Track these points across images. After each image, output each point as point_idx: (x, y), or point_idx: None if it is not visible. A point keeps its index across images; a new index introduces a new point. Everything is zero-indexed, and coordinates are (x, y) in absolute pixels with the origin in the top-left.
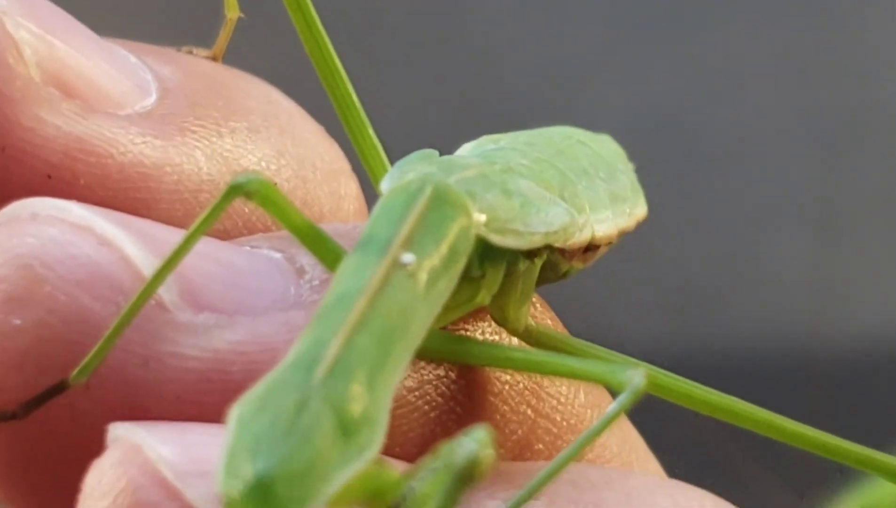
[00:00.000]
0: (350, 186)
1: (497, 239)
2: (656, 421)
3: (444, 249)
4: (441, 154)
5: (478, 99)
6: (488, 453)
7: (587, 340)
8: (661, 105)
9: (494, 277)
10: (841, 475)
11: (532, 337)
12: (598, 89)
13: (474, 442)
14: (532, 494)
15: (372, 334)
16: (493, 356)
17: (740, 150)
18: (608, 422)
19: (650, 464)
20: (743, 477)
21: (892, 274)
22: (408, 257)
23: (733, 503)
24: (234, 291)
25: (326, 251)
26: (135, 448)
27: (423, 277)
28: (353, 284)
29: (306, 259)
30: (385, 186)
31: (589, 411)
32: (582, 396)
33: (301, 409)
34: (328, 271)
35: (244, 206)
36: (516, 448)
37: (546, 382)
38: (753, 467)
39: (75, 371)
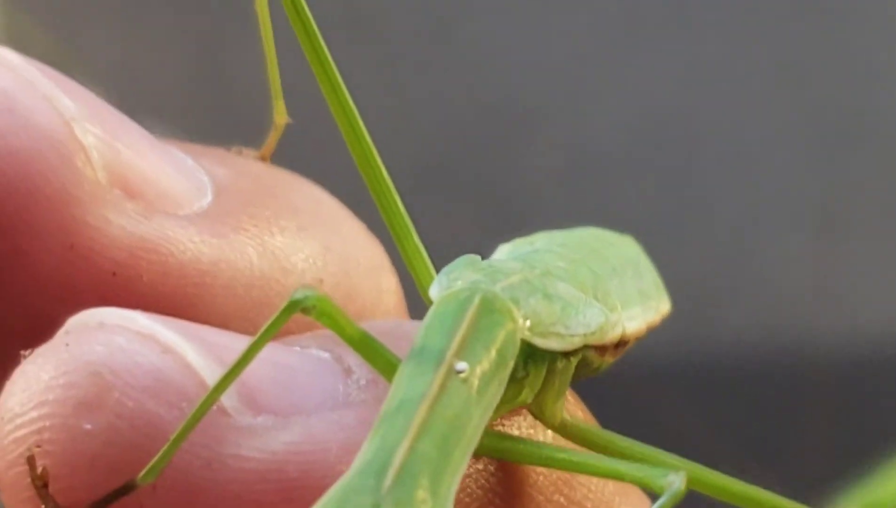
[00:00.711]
0: (390, 282)
1: (541, 342)
2: (652, 418)
3: (493, 355)
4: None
5: (478, 102)
6: None
7: None
8: (661, 105)
9: (537, 376)
10: (840, 475)
11: (567, 431)
12: (599, 89)
13: None
14: None
15: (433, 439)
16: (535, 454)
17: (740, 150)
18: None
19: None
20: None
21: (891, 275)
22: (461, 365)
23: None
24: (289, 392)
25: (380, 358)
26: None
27: (475, 382)
28: (412, 391)
29: (353, 359)
30: (434, 293)
31: (617, 497)
32: (611, 485)
33: None
34: (382, 377)
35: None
36: None
37: (582, 491)
38: (753, 467)
39: (143, 473)
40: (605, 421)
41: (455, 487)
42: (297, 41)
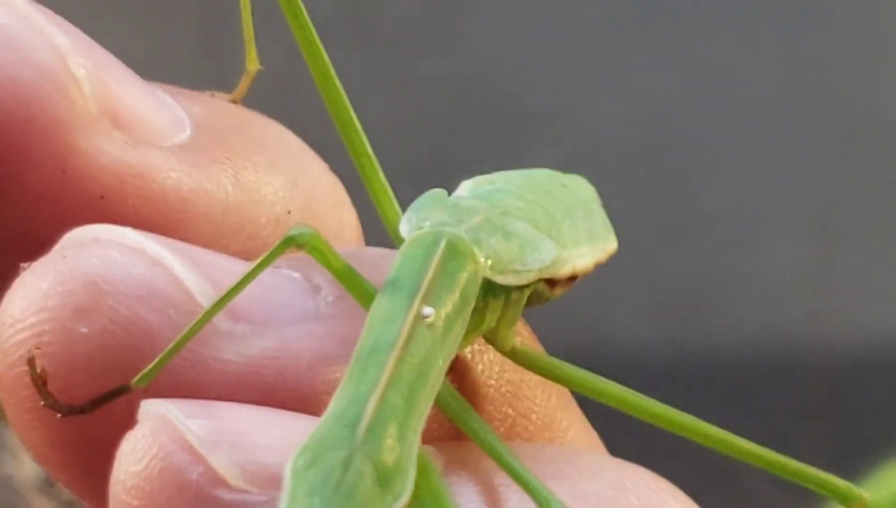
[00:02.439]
0: (351, 217)
1: (500, 279)
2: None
3: (457, 298)
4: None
5: (478, 100)
6: None
7: (593, 344)
8: (662, 106)
9: (495, 308)
10: (840, 475)
11: (518, 356)
12: (599, 89)
13: None
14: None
15: (400, 389)
16: (462, 414)
17: (741, 150)
18: None
19: (595, 444)
20: (741, 479)
21: (891, 277)
22: (427, 311)
23: (732, 505)
24: (264, 305)
25: (359, 289)
26: (165, 420)
27: (440, 327)
28: (383, 338)
29: (321, 279)
30: (404, 230)
31: (559, 412)
32: (554, 399)
33: (346, 466)
34: (360, 304)
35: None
36: None
37: (524, 386)
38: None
39: (138, 377)
40: (605, 420)
41: (420, 430)
42: None
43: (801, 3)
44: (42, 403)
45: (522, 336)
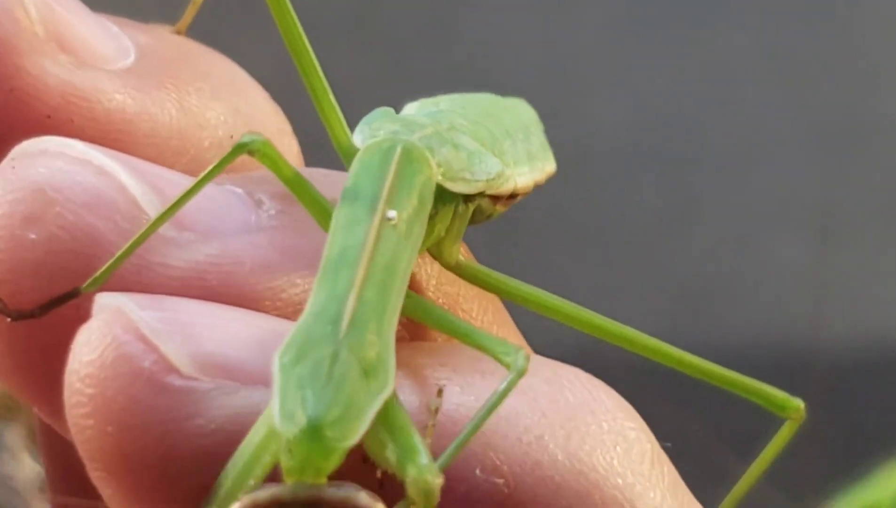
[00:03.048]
0: (292, 145)
1: (452, 186)
2: (652, 418)
3: (415, 201)
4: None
5: None
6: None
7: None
8: (661, 105)
9: (445, 217)
10: (840, 475)
11: (461, 270)
12: (599, 89)
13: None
14: (458, 450)
15: (374, 287)
16: (422, 308)
17: (740, 151)
18: (502, 397)
19: (511, 333)
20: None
21: (891, 277)
22: (391, 213)
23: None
24: (208, 216)
25: (311, 199)
26: (119, 311)
27: (403, 227)
28: (351, 239)
29: (263, 194)
30: (358, 140)
31: (496, 326)
32: (490, 314)
33: (334, 360)
34: (312, 216)
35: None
36: None
37: (461, 299)
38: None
39: (87, 282)
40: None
41: (395, 325)
42: None
43: (800, 3)
44: None
45: (465, 255)
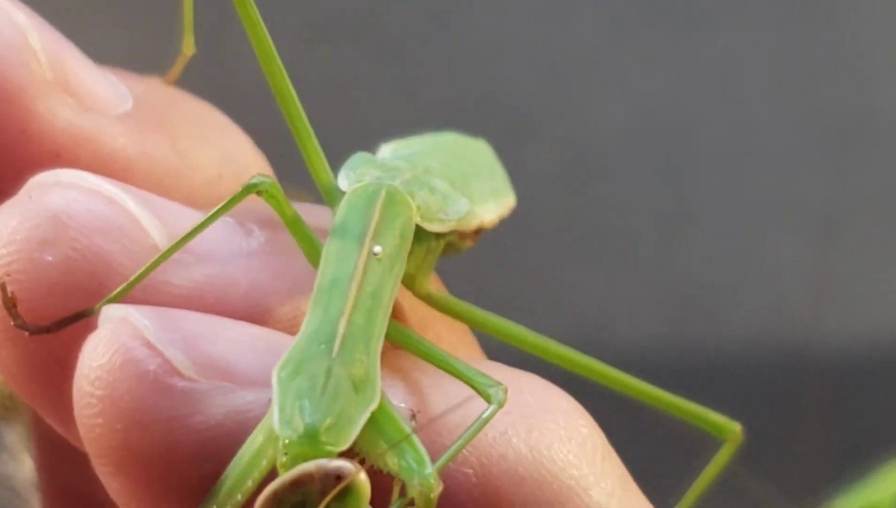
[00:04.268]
0: None
1: (428, 226)
2: (651, 417)
3: (398, 238)
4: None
5: (477, 101)
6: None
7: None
8: (662, 106)
9: (419, 252)
10: (840, 475)
11: (432, 300)
12: (599, 89)
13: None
14: (446, 463)
15: (362, 312)
16: (406, 337)
17: (740, 151)
18: (483, 423)
19: (475, 352)
20: (740, 480)
21: (891, 277)
22: (377, 248)
23: (732, 504)
24: (204, 241)
25: (304, 237)
26: (125, 321)
27: (387, 262)
28: (341, 271)
29: (252, 223)
30: (344, 184)
31: (462, 347)
32: (457, 335)
33: (328, 375)
34: (304, 255)
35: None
36: None
37: (430, 320)
38: (752, 467)
39: (100, 303)
40: (604, 419)
41: (380, 346)
42: None
43: (800, 4)
44: (12, 323)
45: (437, 286)
